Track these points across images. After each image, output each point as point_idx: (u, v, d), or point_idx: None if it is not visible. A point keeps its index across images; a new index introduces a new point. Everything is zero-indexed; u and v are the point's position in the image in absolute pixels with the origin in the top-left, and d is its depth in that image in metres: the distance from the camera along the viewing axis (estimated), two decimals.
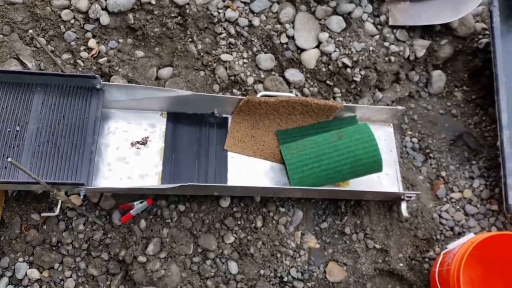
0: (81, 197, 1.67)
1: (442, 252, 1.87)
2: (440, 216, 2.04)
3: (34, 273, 1.83)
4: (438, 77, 2.23)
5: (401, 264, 1.93)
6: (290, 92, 2.08)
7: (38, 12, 2.03)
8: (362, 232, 1.97)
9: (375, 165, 1.84)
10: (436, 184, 2.11)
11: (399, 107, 2.03)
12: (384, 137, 2.10)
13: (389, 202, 2.01)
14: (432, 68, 2.25)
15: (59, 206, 1.65)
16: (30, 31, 1.53)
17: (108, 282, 1.87)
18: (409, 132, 2.20)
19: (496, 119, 1.99)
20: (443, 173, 2.12)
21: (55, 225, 1.88)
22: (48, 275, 1.85)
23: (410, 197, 1.91)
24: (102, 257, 1.87)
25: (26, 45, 2.04)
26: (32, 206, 1.89)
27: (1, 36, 2.02)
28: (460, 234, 2.01)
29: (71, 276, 1.86)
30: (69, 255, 1.87)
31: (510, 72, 2.02)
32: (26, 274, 1.83)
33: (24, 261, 1.84)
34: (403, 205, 1.91)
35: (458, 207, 2.07)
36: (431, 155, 2.16)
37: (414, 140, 2.18)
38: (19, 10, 2.04)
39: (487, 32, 2.21)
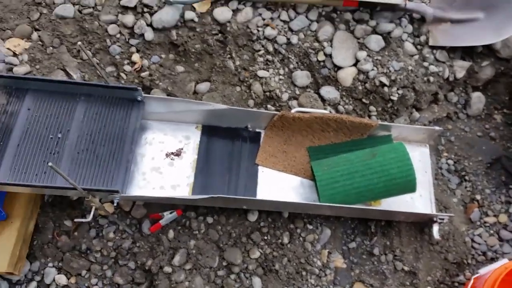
0: (115, 205, 1.73)
1: (473, 277, 1.81)
2: (472, 240, 1.99)
3: (62, 279, 1.89)
4: (478, 99, 2.19)
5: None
6: (325, 109, 2.09)
7: (86, 26, 2.14)
8: (391, 254, 1.94)
9: (409, 185, 1.81)
10: (470, 208, 2.05)
11: (436, 128, 2.00)
12: (420, 158, 2.07)
13: (420, 224, 1.98)
14: (472, 90, 2.21)
15: (92, 213, 1.71)
16: (79, 43, 1.61)
17: None
18: (445, 154, 2.15)
19: None
20: (478, 197, 2.07)
21: (86, 232, 1.95)
22: (75, 282, 1.90)
23: (443, 219, 1.87)
24: (129, 266, 1.92)
25: (73, 57, 2.15)
26: (66, 213, 1.96)
27: (51, 48, 2.14)
28: (493, 260, 1.95)
29: (97, 284, 1.91)
30: (97, 263, 1.92)
31: None
32: (54, 280, 1.89)
33: (53, 266, 1.91)
34: (435, 227, 1.88)
35: (492, 231, 2.01)
36: (466, 177, 2.11)
37: (450, 162, 2.14)
38: (69, 24, 2.15)
39: None
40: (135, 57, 2.14)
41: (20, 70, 2.06)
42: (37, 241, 1.93)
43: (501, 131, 2.19)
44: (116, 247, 1.93)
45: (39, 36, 2.14)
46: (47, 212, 1.96)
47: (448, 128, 2.20)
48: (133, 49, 2.15)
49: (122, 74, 2.14)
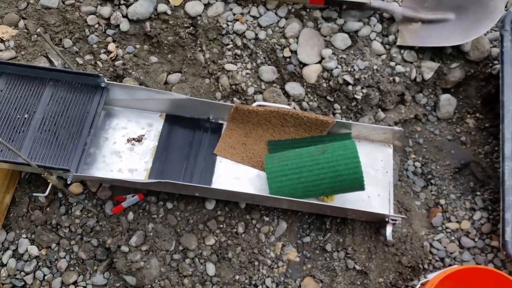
0: (69, 182, 1.81)
1: (420, 282, 1.78)
2: (431, 245, 1.95)
3: (34, 250, 2.00)
4: (447, 101, 2.14)
5: None
6: (289, 104, 2.11)
7: (68, 16, 2.25)
8: (343, 251, 1.93)
9: (356, 183, 1.81)
10: (433, 212, 2.01)
11: (395, 128, 1.98)
12: (382, 158, 2.05)
13: (377, 224, 1.95)
14: (442, 92, 2.16)
15: (49, 188, 1.78)
16: (39, 29, 1.72)
17: (95, 267, 1.99)
18: (413, 156, 2.12)
19: (499, 149, 1.88)
20: (442, 201, 2.02)
21: (57, 208, 2.05)
22: (45, 254, 2.00)
23: (395, 220, 1.84)
24: (92, 243, 2.00)
25: (55, 45, 2.26)
26: (40, 189, 2.06)
27: (36, 36, 2.26)
28: (450, 267, 1.89)
29: (64, 257, 2.00)
30: (65, 238, 2.02)
31: None
32: (27, 250, 2.00)
33: (26, 237, 2.02)
34: (388, 228, 1.84)
35: (453, 238, 1.96)
36: (432, 181, 2.07)
37: (417, 164, 2.10)
38: (53, 14, 2.27)
39: None
40: (111, 46, 2.24)
41: (5, 55, 2.20)
42: (13, 213, 2.04)
43: (472, 136, 2.14)
44: (82, 225, 2.02)
45: (25, 24, 2.27)
46: (23, 187, 2.07)
47: (417, 130, 2.16)
48: (109, 39, 2.24)
49: (99, 63, 2.24)
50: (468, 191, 2.05)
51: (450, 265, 1.91)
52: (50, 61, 2.24)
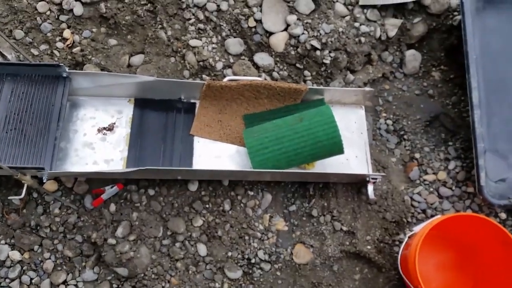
0: (44, 181, 1.74)
1: (407, 235, 1.84)
2: (411, 199, 2.01)
3: (16, 255, 1.92)
4: (412, 57, 2.18)
5: (368, 247, 1.92)
6: (259, 76, 2.09)
7: (15, 5, 2.11)
8: (329, 214, 1.97)
9: (335, 147, 1.83)
10: (410, 166, 2.07)
11: (367, 88, 2.00)
12: (355, 120, 2.08)
13: (358, 184, 2.00)
14: (406, 48, 2.20)
15: (24, 190, 1.71)
16: None
17: (84, 264, 1.94)
18: (384, 114, 2.16)
19: (467, 98, 1.94)
20: (417, 155, 2.09)
21: (34, 209, 1.96)
22: (28, 257, 1.93)
23: (376, 179, 1.88)
24: (76, 240, 1.94)
25: (7, 37, 2.12)
26: (13, 191, 1.96)
27: None
28: (433, 217, 1.97)
29: (50, 258, 1.93)
30: (48, 238, 1.95)
31: (480, 49, 1.95)
32: (8, 256, 1.91)
33: (6, 243, 1.93)
34: (370, 187, 1.89)
35: (431, 189, 2.03)
36: (405, 137, 2.12)
37: (389, 122, 2.15)
38: None
39: None
40: (66, 33, 2.12)
41: None
42: None
43: (439, 88, 2.20)
44: (63, 222, 1.95)
45: None
46: None
47: (385, 88, 2.20)
48: (64, 25, 2.13)
49: (55, 52, 2.13)
50: (441, 142, 2.12)
51: (432, 215, 1.99)
52: (3, 55, 2.10)
